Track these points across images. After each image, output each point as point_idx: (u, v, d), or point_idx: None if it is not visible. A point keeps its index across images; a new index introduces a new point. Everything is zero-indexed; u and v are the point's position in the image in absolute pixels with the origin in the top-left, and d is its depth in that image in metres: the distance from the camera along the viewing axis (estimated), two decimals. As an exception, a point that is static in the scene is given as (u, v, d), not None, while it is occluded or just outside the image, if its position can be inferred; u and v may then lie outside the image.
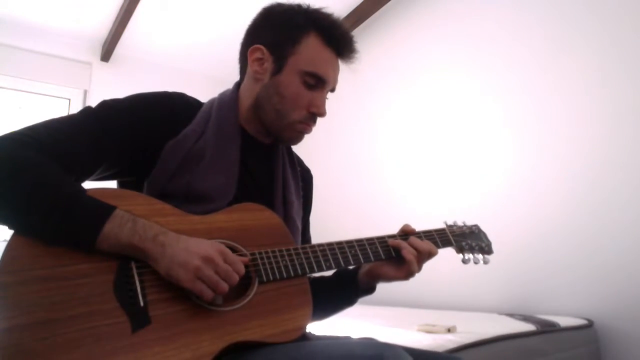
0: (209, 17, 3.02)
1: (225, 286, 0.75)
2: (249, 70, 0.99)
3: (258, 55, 0.97)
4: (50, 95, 3.22)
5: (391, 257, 0.99)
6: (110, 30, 3.09)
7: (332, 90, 1.02)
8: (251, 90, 1.00)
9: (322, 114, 0.98)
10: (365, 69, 3.09)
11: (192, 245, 0.76)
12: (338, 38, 0.96)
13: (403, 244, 0.98)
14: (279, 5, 1.00)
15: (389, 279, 1.00)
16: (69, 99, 3.29)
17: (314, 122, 0.99)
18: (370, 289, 1.06)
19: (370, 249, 0.98)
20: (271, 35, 0.97)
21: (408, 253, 0.96)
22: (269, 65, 0.96)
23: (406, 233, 1.03)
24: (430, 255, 0.99)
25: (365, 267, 1.03)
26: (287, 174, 1.04)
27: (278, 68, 0.95)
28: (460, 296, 2.30)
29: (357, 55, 1.00)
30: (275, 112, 0.96)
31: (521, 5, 2.29)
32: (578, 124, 2.00)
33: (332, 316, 1.08)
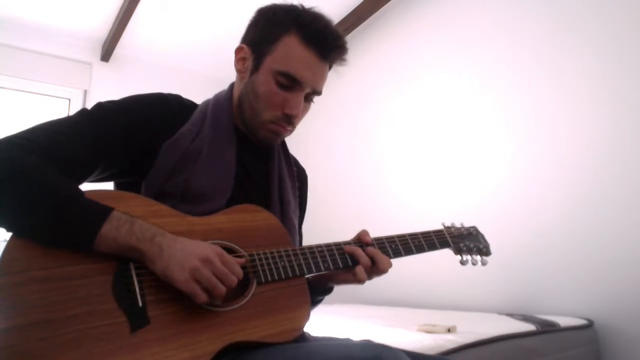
0: (208, 17, 3.02)
1: (222, 289, 0.75)
2: (235, 69, 1.01)
3: (242, 54, 0.98)
4: (50, 95, 3.22)
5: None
6: (110, 30, 3.09)
7: (316, 92, 0.97)
8: (238, 89, 1.01)
9: (295, 115, 0.95)
10: (365, 69, 3.10)
11: (189, 247, 0.76)
12: (319, 38, 0.92)
13: (359, 252, 0.95)
14: (271, 5, 0.99)
15: (339, 282, 0.99)
16: (69, 99, 3.29)
17: (290, 123, 0.97)
18: (329, 289, 1.05)
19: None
20: (254, 35, 0.97)
21: (361, 269, 0.94)
22: (249, 64, 0.97)
23: (361, 241, 0.99)
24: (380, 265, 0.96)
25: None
26: (282, 172, 1.05)
27: (255, 67, 0.95)
28: (460, 296, 2.30)
29: (345, 57, 0.97)
30: (251, 110, 0.96)
31: (521, 5, 2.29)
32: (578, 124, 2.00)
33: None
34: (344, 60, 0.98)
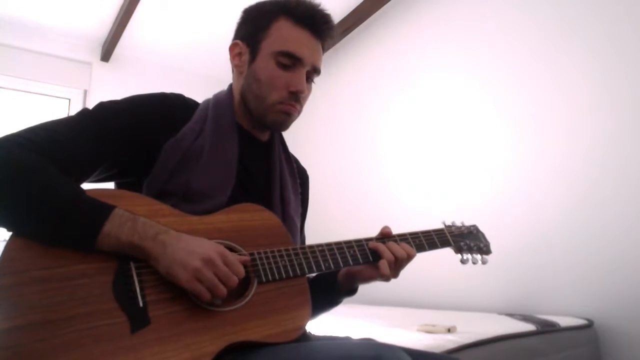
0: (208, 17, 3.02)
1: (223, 289, 0.75)
2: (232, 66, 1.02)
3: (237, 50, 1.00)
4: (50, 95, 3.22)
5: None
6: (110, 30, 3.09)
7: (316, 71, 1.00)
8: (238, 85, 1.02)
9: (301, 91, 0.97)
10: (365, 69, 3.10)
11: (192, 245, 0.76)
12: (307, 15, 0.96)
13: (382, 247, 0.96)
14: (256, 3, 1.02)
15: (365, 279, 0.99)
16: (69, 99, 3.29)
17: (297, 101, 0.98)
18: (353, 290, 1.05)
19: (369, 250, 0.97)
20: (246, 29, 1.00)
21: (383, 262, 0.94)
22: (246, 56, 0.99)
23: (385, 236, 1.01)
24: (409, 258, 0.97)
25: (343, 269, 1.02)
26: (284, 171, 1.05)
27: (253, 56, 0.97)
28: (460, 296, 2.30)
29: (333, 34, 1.00)
30: (255, 98, 0.97)
31: (521, 5, 2.29)
32: (578, 124, 2.00)
33: (319, 316, 1.07)
34: (332, 36, 1.01)
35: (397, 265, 0.96)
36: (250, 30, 0.99)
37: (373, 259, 0.96)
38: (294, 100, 0.98)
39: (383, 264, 0.94)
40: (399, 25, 2.97)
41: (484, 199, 2.29)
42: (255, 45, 0.97)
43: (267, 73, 0.95)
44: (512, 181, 2.21)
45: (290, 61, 0.95)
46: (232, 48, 1.01)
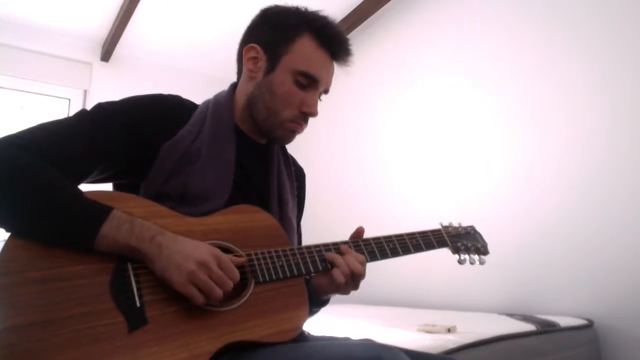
0: (209, 17, 3.02)
1: (218, 292, 0.75)
2: (244, 69, 1.00)
3: (253, 54, 0.98)
4: (50, 95, 3.22)
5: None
6: (110, 30, 3.09)
7: (326, 91, 1.02)
8: (245, 90, 1.00)
9: (314, 113, 0.98)
10: (365, 69, 3.10)
11: (188, 248, 0.76)
12: (332, 40, 0.97)
13: (339, 260, 0.90)
14: (276, 6, 1.00)
15: (325, 292, 0.95)
16: (69, 99, 3.29)
17: (306, 121, 0.99)
18: (324, 301, 1.00)
19: (366, 249, 0.97)
20: (266, 35, 0.97)
21: (339, 273, 0.88)
22: (262, 64, 0.97)
23: (357, 238, 0.97)
24: (360, 275, 0.90)
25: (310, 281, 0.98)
26: (282, 173, 1.05)
27: (271, 67, 0.96)
28: (460, 296, 2.30)
29: (351, 58, 1.00)
30: (267, 110, 0.97)
31: (521, 6, 2.29)
32: (577, 124, 2.00)
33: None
34: (349, 61, 1.01)
35: (355, 278, 0.90)
36: (271, 39, 0.96)
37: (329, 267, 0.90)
38: (303, 121, 0.99)
39: (337, 273, 0.88)
40: (398, 26, 2.97)
41: (484, 199, 2.29)
42: (275, 57, 0.96)
43: (283, 88, 0.95)
44: (512, 181, 2.21)
45: (307, 81, 0.96)
46: (247, 51, 0.98)
